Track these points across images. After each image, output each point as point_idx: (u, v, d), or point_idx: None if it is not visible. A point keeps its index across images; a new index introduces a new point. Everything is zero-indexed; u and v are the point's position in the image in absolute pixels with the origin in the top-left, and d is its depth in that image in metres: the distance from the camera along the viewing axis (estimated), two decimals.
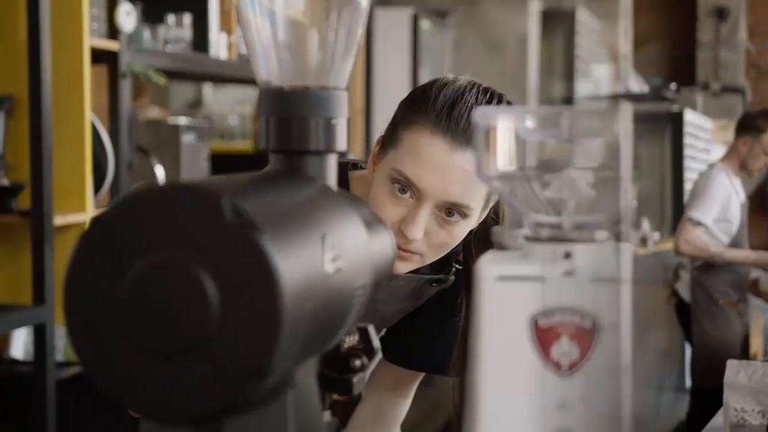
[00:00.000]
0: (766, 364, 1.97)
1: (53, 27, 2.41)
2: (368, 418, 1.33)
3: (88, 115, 2.50)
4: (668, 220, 6.94)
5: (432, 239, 1.26)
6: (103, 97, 2.69)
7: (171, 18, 3.04)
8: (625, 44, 5.25)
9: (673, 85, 6.07)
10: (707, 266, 4.40)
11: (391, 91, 5.01)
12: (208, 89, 5.50)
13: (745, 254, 4.46)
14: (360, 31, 0.86)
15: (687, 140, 6.68)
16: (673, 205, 7.06)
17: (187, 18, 3.05)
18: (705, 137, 7.21)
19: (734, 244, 4.39)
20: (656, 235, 6.12)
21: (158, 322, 0.62)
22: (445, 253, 1.29)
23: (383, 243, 0.87)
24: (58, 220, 2.41)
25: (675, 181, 6.82)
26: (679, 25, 9.00)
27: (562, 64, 7.20)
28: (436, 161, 1.22)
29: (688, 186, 7.01)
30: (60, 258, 2.39)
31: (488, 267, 0.70)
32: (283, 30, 0.83)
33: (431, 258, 1.29)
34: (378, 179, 1.27)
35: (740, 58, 9.19)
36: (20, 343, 2.51)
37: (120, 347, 0.63)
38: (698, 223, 4.26)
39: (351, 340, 0.90)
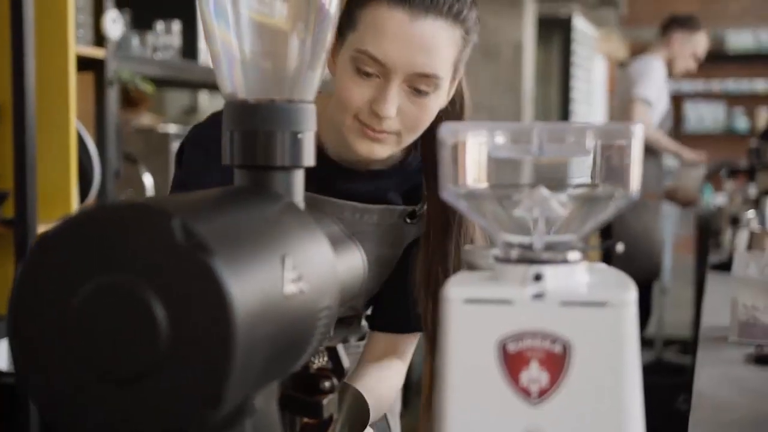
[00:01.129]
0: None
1: (38, 33, 2.39)
2: (369, 386, 1.29)
3: (74, 123, 2.47)
4: None
5: (405, 117, 1.23)
6: (90, 104, 2.66)
7: (160, 25, 3.02)
8: None
9: None
10: None
11: None
12: (204, 96, 5.48)
13: (677, 146, 4.65)
14: (328, 39, 0.83)
15: (574, 47, 6.79)
16: (560, 112, 7.17)
17: (176, 25, 3.02)
18: (590, 46, 7.34)
19: (661, 130, 4.49)
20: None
21: (106, 345, 0.60)
22: (419, 132, 1.26)
23: (352, 260, 0.84)
24: (43, 229, 2.38)
25: (562, 88, 6.91)
26: None
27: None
28: (397, 33, 1.19)
29: (574, 95, 7.15)
30: None
31: (455, 289, 0.68)
32: (249, 41, 0.81)
33: (407, 138, 1.26)
34: (341, 68, 1.24)
35: None
36: (3, 354, 2.48)
37: (67, 371, 0.61)
38: (647, 102, 4.32)
39: (319, 361, 0.87)
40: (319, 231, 0.76)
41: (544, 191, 0.70)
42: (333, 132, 1.31)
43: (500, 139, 0.70)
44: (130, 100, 3.52)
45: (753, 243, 2.92)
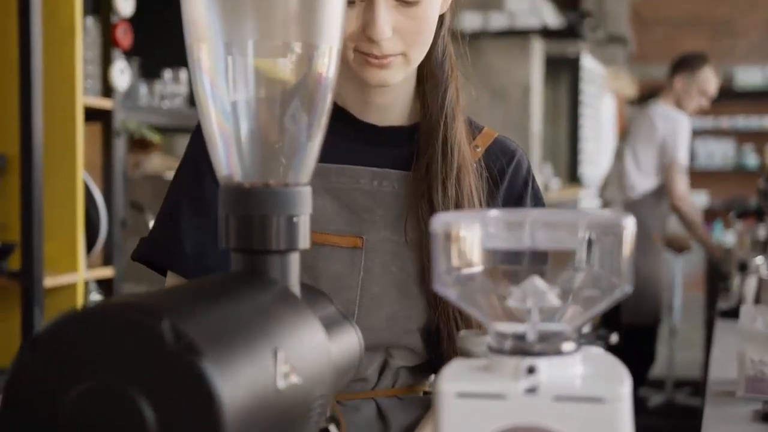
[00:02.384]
0: None
1: (46, 85, 2.41)
2: None
3: (81, 174, 2.49)
4: (564, 166, 7.02)
5: (404, 33, 1.15)
6: (97, 154, 2.67)
7: (167, 73, 3.04)
8: None
9: (588, 22, 6.05)
10: (645, 201, 4.42)
11: None
12: None
13: (707, 235, 4.69)
14: (323, 121, 0.84)
15: (582, 86, 6.81)
16: (569, 151, 7.18)
17: (184, 73, 3.05)
18: (598, 84, 7.36)
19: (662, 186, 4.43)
20: (556, 182, 6.19)
21: None
22: (425, 46, 1.18)
23: (347, 343, 0.84)
24: (49, 281, 2.39)
25: (571, 126, 6.93)
26: None
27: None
28: None
29: (583, 133, 7.17)
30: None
31: (448, 383, 0.67)
32: (245, 123, 0.81)
33: (416, 56, 1.18)
34: None
35: (624, 7, 9.29)
36: None
37: None
38: (686, 169, 4.37)
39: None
40: (312, 317, 0.76)
41: (537, 282, 0.69)
42: (348, 82, 1.24)
43: (492, 229, 0.70)
44: (140, 142, 3.54)
45: (762, 290, 2.91)
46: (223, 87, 0.80)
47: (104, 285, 2.72)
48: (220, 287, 0.73)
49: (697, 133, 9.92)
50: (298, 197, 0.80)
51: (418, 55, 1.18)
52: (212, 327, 0.62)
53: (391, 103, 1.27)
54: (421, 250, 1.20)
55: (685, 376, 5.54)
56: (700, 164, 9.96)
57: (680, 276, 5.93)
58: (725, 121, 9.87)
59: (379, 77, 1.17)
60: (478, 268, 0.71)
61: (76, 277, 2.49)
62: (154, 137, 2.81)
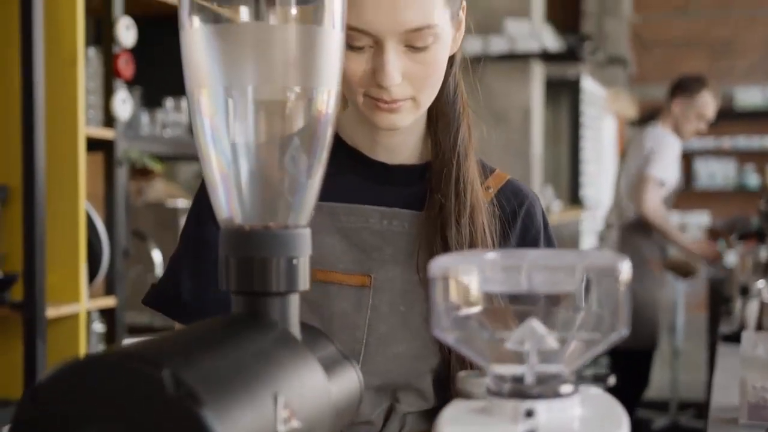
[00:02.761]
0: None
1: (48, 116, 2.42)
2: None
3: (83, 205, 2.50)
4: (565, 188, 7.04)
5: (413, 78, 1.14)
6: (99, 184, 2.68)
7: (169, 102, 3.06)
8: (535, 1, 5.21)
9: (588, 45, 6.06)
10: (638, 225, 4.40)
11: None
12: None
13: (690, 242, 4.61)
14: (322, 163, 0.84)
15: (582, 108, 6.82)
16: (570, 173, 7.18)
17: (185, 102, 3.06)
18: (599, 105, 7.38)
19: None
20: (558, 204, 6.20)
21: None
22: (435, 89, 1.17)
23: (347, 383, 0.84)
24: (52, 312, 2.39)
25: (572, 149, 6.93)
26: None
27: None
28: None
29: (584, 155, 7.18)
30: (53, 352, 2.37)
31: (448, 426, 0.68)
32: (245, 167, 0.82)
33: (426, 99, 1.17)
34: None
35: (624, 28, 9.34)
36: None
37: None
38: (661, 183, 4.33)
39: None
40: (312, 359, 0.76)
41: (535, 324, 0.70)
42: (359, 122, 1.24)
43: (490, 272, 0.70)
44: (143, 169, 3.55)
45: (764, 314, 2.90)
46: (223, 130, 0.81)
47: (106, 314, 2.73)
48: (220, 332, 0.73)
49: (698, 153, 9.94)
50: (297, 239, 0.81)
51: (428, 99, 1.18)
52: (212, 374, 0.63)
53: (402, 142, 1.26)
54: None
55: (689, 397, 5.53)
56: (702, 184, 9.97)
57: (683, 297, 5.92)
58: (726, 141, 9.90)
59: (389, 121, 1.17)
60: (475, 310, 0.72)
61: (79, 307, 2.49)
62: (156, 166, 2.82)
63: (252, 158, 0.81)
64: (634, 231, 4.44)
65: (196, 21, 0.79)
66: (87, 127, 2.54)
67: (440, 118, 1.25)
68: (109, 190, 2.65)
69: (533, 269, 0.70)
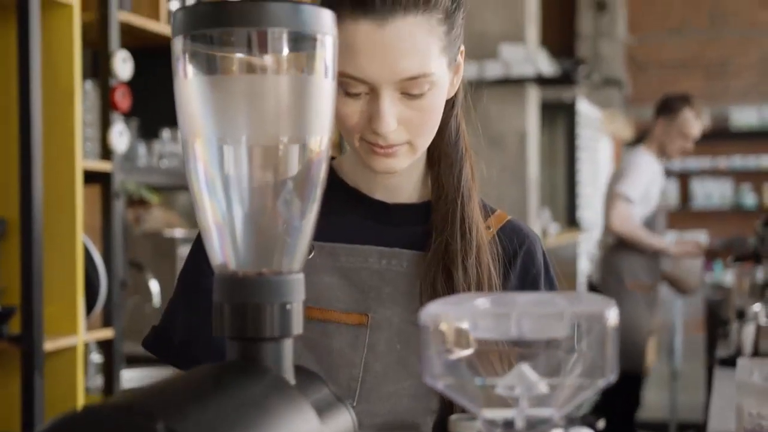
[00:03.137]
0: None
1: (46, 149, 2.44)
2: None
3: (80, 237, 2.51)
4: (562, 211, 7.04)
5: (409, 124, 1.15)
6: (97, 216, 2.69)
7: (166, 133, 3.07)
8: (531, 24, 5.24)
9: (582, 69, 6.08)
10: (619, 246, 4.38)
11: None
12: None
13: (667, 244, 4.53)
14: (315, 210, 0.85)
15: (578, 130, 6.84)
16: (567, 196, 7.19)
17: None
18: (595, 127, 7.40)
19: (647, 227, 4.47)
20: (555, 227, 6.20)
21: None
22: (431, 134, 1.18)
23: (341, 426, 0.85)
24: (49, 344, 2.40)
25: (568, 171, 6.94)
26: (559, 16, 9.25)
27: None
28: (368, 45, 1.11)
29: (580, 177, 7.19)
30: (51, 384, 2.37)
31: None
32: (239, 214, 0.83)
33: (422, 143, 1.18)
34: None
35: (619, 50, 9.39)
36: None
37: None
38: (628, 199, 4.32)
39: None
40: (305, 404, 0.77)
41: (525, 369, 0.71)
42: (358, 163, 1.25)
43: (480, 320, 0.71)
44: (141, 198, 3.57)
45: (760, 338, 2.91)
46: (217, 178, 0.82)
47: (104, 346, 2.73)
48: (214, 379, 0.74)
49: (695, 174, 9.97)
50: (290, 285, 0.82)
51: (424, 143, 1.19)
52: (206, 424, 0.64)
53: (401, 182, 1.27)
54: None
55: (689, 419, 5.53)
56: (699, 204, 9.99)
57: (681, 318, 5.93)
58: (722, 161, 9.92)
59: (386, 165, 1.18)
60: (466, 357, 0.73)
61: (76, 339, 2.50)
62: (153, 198, 2.84)
63: (246, 205, 0.82)
64: (615, 252, 4.45)
65: (190, 71, 0.81)
66: (84, 160, 2.56)
67: (442, 159, 1.26)
68: (106, 222, 2.66)
69: (523, 316, 0.71)
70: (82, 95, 2.59)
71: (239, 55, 0.92)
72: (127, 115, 2.81)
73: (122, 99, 2.65)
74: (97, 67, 2.77)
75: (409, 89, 1.13)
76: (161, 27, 2.95)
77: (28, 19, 2.34)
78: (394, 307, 1.22)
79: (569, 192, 7.30)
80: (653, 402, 6.61)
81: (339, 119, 1.16)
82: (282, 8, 0.80)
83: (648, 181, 4.42)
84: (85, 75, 2.74)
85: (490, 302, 0.75)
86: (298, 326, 0.82)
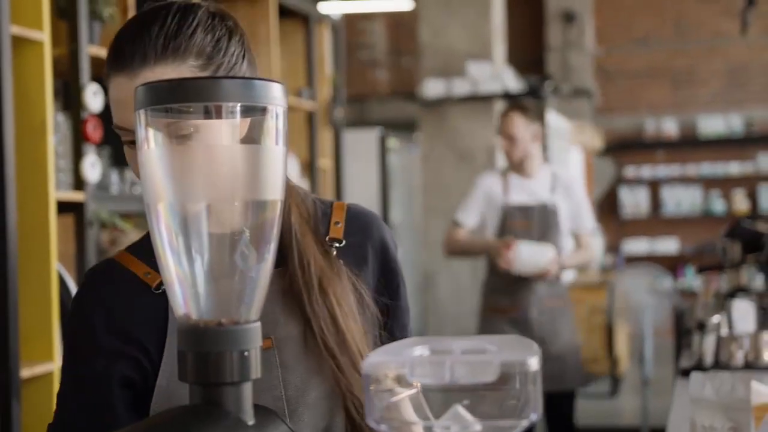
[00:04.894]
0: (735, 374, 1.89)
1: (19, 181, 2.49)
2: None
3: (55, 266, 2.57)
4: None
5: None
6: (71, 245, 2.75)
7: None
8: (498, 41, 5.30)
9: (549, 84, 6.15)
10: (485, 276, 4.21)
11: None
12: None
13: (483, 241, 4.18)
14: (269, 265, 0.93)
15: (548, 142, 6.95)
16: None
17: None
18: (565, 138, 7.51)
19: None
20: None
21: None
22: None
23: None
24: (26, 372, 2.45)
25: None
26: (528, 27, 9.40)
27: None
28: (124, 97, 1.18)
29: None
30: (28, 411, 2.42)
31: None
32: (199, 270, 0.90)
33: None
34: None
35: (587, 61, 9.55)
36: None
37: None
38: (456, 224, 4.15)
39: None
40: None
41: (460, 410, 0.79)
42: None
43: (418, 368, 0.79)
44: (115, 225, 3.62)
45: (721, 348, 2.99)
46: (178, 237, 0.90)
47: None
48: (179, 423, 0.81)
49: (664, 181, 10.11)
50: (248, 333, 0.90)
51: None
52: None
53: None
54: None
55: (660, 424, 5.61)
56: (669, 211, 10.14)
57: (651, 325, 6.02)
58: (691, 169, 10.08)
59: None
60: (405, 401, 0.80)
61: (52, 366, 2.55)
62: (126, 227, 2.90)
63: (205, 263, 0.90)
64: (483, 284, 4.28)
65: (152, 142, 0.88)
66: (57, 191, 2.62)
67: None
68: (80, 251, 2.72)
69: (456, 363, 0.79)
70: (54, 127, 2.65)
71: (197, 126, 1.00)
72: (99, 145, 2.87)
73: (94, 131, 2.72)
74: (68, 98, 2.83)
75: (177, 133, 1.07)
76: None
77: (1, 55, 2.40)
78: (289, 322, 1.26)
79: None
80: (625, 408, 6.72)
81: (133, 169, 1.20)
82: (235, 84, 0.87)
83: (479, 200, 4.20)
84: (57, 108, 2.80)
85: (428, 350, 0.82)
86: (256, 370, 0.90)
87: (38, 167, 2.55)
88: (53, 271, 2.55)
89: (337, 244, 1.31)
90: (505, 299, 4.13)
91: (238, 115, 0.88)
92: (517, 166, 4.15)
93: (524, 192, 4.14)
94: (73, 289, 2.67)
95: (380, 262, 1.36)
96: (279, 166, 0.91)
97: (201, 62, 1.21)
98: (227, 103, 0.87)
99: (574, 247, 4.25)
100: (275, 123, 0.90)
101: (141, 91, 0.88)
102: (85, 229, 2.70)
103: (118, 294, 1.28)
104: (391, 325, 1.35)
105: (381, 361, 0.80)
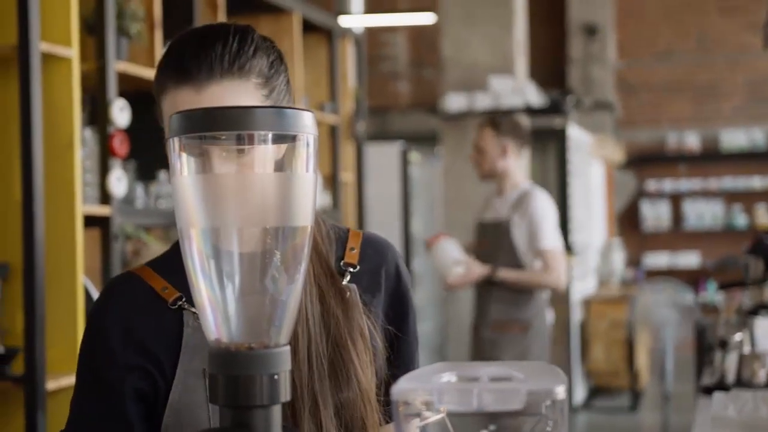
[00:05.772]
0: (757, 394, 1.89)
1: (47, 195, 2.52)
2: None
3: (81, 279, 2.59)
4: None
5: None
6: (96, 258, 2.78)
7: (163, 174, 3.17)
8: (520, 55, 5.30)
9: (570, 98, 6.15)
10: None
11: (384, 222, 5.14)
12: None
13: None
14: (299, 288, 0.94)
15: (569, 155, 6.94)
16: (559, 220, 7.25)
17: None
18: (586, 151, 7.50)
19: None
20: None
21: None
22: None
23: None
24: (51, 384, 2.48)
25: (560, 196, 7.04)
26: (550, 40, 9.38)
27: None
28: (188, 106, 1.19)
29: (572, 201, 7.27)
30: (53, 423, 2.45)
31: None
32: (230, 295, 0.92)
33: None
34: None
35: (609, 74, 9.51)
36: None
37: None
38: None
39: None
40: None
41: None
42: None
43: (446, 395, 0.80)
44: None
45: (743, 366, 2.98)
46: (210, 262, 0.92)
47: None
48: None
49: (686, 195, 10.08)
50: (278, 357, 0.91)
51: None
52: None
53: None
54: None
55: None
56: (691, 225, 10.09)
57: (672, 341, 6.00)
58: (713, 183, 10.03)
59: None
60: (433, 425, 0.82)
61: None
62: (151, 240, 2.93)
63: (236, 286, 0.92)
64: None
65: (185, 169, 0.90)
66: (84, 205, 2.65)
67: None
68: (105, 264, 2.75)
69: (483, 391, 0.80)
70: (82, 143, 2.68)
71: (229, 154, 1.01)
72: (125, 159, 2.90)
73: (120, 146, 2.75)
74: (96, 113, 2.87)
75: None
76: None
77: (30, 71, 2.44)
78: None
79: (561, 217, 7.36)
80: (646, 423, 6.69)
81: None
82: (267, 113, 0.89)
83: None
84: (84, 123, 2.84)
85: (456, 377, 0.84)
86: (285, 394, 0.92)
87: (66, 182, 2.58)
88: (80, 284, 2.58)
89: (351, 269, 1.33)
90: (473, 314, 4.11)
91: (270, 142, 0.89)
92: (497, 184, 4.10)
93: (492, 210, 4.10)
94: None
95: (393, 291, 1.37)
96: (309, 193, 0.92)
97: (261, 81, 1.24)
98: (259, 132, 0.89)
99: (540, 268, 3.98)
100: (306, 150, 0.91)
101: (175, 120, 0.90)
102: (111, 243, 2.73)
103: (135, 307, 1.29)
104: (396, 355, 1.35)
105: (410, 388, 0.81)
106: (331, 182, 4.50)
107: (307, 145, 0.91)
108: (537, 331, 4.00)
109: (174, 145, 0.90)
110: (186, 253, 0.92)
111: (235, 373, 0.90)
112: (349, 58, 4.72)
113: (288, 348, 0.93)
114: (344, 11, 6.03)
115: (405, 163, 5.64)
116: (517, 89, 5.26)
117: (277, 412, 0.91)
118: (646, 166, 10.12)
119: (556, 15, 9.78)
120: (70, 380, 2.56)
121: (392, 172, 5.44)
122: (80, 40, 2.69)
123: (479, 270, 3.89)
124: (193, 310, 1.27)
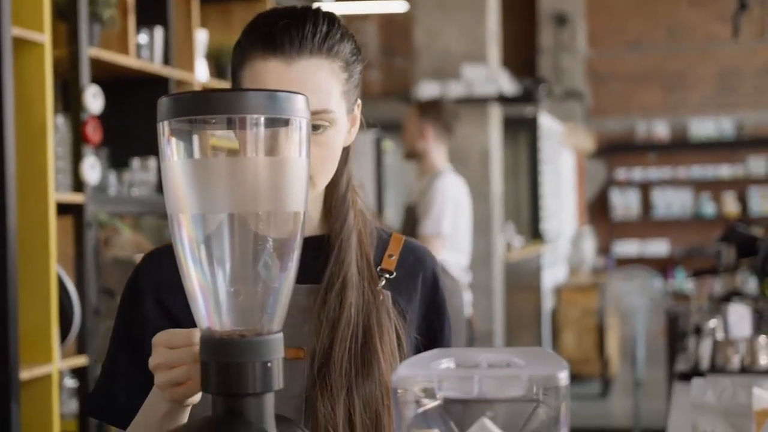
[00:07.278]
0: (736, 379, 1.89)
1: (20, 183, 2.48)
2: None
3: (54, 268, 2.56)
4: (526, 224, 7.20)
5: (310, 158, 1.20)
6: (70, 246, 2.74)
7: (136, 162, 3.13)
8: (493, 44, 5.32)
9: (543, 87, 6.18)
10: None
11: None
12: None
13: None
14: (291, 277, 0.93)
15: (540, 144, 6.99)
16: (530, 209, 7.35)
17: (152, 162, 3.14)
18: (556, 140, 7.56)
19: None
20: (519, 240, 6.29)
21: None
22: (329, 172, 1.25)
23: None
24: (25, 374, 2.45)
25: (531, 184, 7.10)
26: (520, 30, 9.42)
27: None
28: (276, 81, 1.20)
29: (543, 190, 7.34)
30: (27, 413, 2.41)
31: None
32: (221, 282, 0.90)
33: (321, 180, 1.25)
34: None
35: (580, 63, 9.59)
36: None
37: None
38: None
39: None
40: None
41: (487, 422, 0.79)
42: None
43: (446, 382, 0.79)
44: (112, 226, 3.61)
45: (717, 352, 3.00)
46: (200, 248, 0.90)
47: (79, 372, 2.78)
48: None
49: (655, 184, 10.14)
50: (271, 344, 0.90)
51: (323, 180, 1.26)
52: None
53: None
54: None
55: (652, 426, 5.64)
56: (660, 213, 10.16)
57: (643, 328, 6.04)
58: (682, 171, 10.10)
59: None
60: (432, 414, 0.81)
61: (51, 368, 2.55)
62: (124, 229, 2.90)
63: (228, 273, 0.90)
64: None
65: (175, 153, 0.88)
66: (57, 193, 2.61)
67: (333, 207, 1.32)
68: (78, 252, 2.72)
69: (484, 378, 0.79)
70: (54, 129, 2.64)
71: (220, 139, 0.99)
72: (98, 146, 2.86)
73: (93, 132, 2.71)
74: (68, 100, 2.82)
75: (312, 121, 1.15)
76: (130, 60, 3.02)
77: (1, 57, 2.40)
78: (322, 337, 1.26)
79: (533, 205, 7.41)
80: (616, 409, 6.74)
81: None
82: (259, 96, 0.87)
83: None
84: (57, 110, 2.79)
85: (455, 363, 0.82)
86: (278, 381, 0.90)
87: (38, 169, 2.54)
88: (53, 272, 2.55)
89: (388, 275, 1.32)
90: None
91: (262, 126, 0.88)
92: (417, 167, 4.13)
93: (412, 194, 4.20)
94: (73, 291, 2.66)
95: (428, 300, 1.36)
96: (302, 178, 0.91)
97: (343, 65, 1.26)
98: (251, 116, 0.87)
99: None
100: (299, 134, 0.90)
101: (164, 103, 0.88)
102: (84, 231, 2.69)
103: (171, 274, 1.28)
104: None
105: (409, 375, 0.80)
106: None
107: (300, 128, 0.90)
108: None
109: (163, 129, 0.88)
110: (176, 239, 0.90)
111: (227, 360, 0.88)
112: None
113: (281, 335, 0.91)
114: None
115: (379, 152, 5.62)
116: (490, 78, 5.26)
117: (270, 400, 0.90)
118: (615, 155, 10.17)
119: (527, 4, 9.79)
120: (43, 370, 2.53)
121: (366, 161, 5.43)
122: (52, 25, 2.64)
123: None
124: None
